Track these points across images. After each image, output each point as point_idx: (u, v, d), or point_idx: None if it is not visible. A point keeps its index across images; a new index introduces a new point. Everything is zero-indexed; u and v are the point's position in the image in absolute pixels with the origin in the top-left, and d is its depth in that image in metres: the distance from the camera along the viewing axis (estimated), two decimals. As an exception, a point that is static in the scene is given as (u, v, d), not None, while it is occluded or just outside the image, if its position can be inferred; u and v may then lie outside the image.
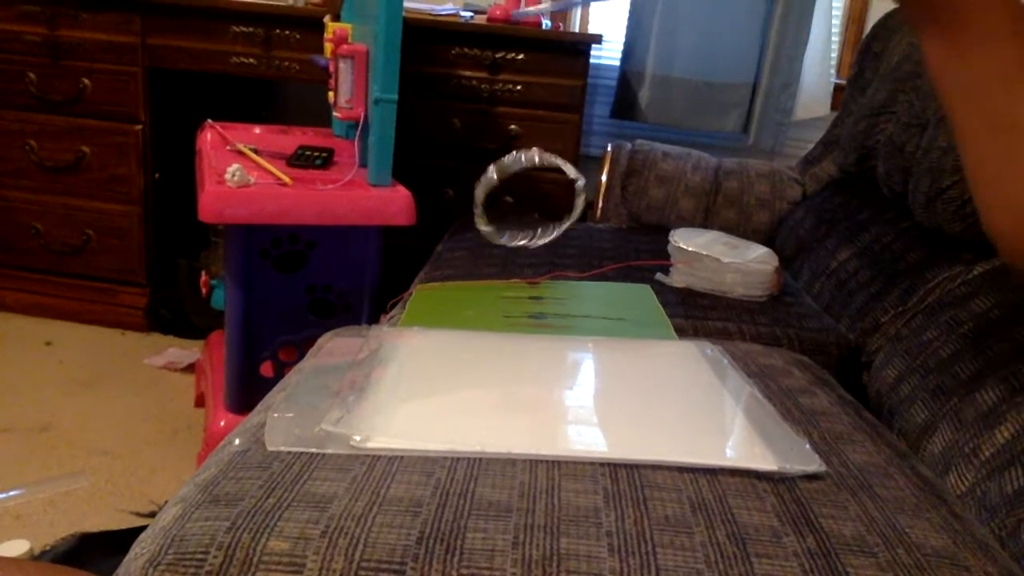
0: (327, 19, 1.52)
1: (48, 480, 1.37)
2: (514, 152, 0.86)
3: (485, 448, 0.61)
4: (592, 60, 1.80)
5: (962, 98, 0.55)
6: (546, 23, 1.84)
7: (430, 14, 1.86)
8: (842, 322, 1.22)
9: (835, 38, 2.13)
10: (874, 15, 2.08)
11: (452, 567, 0.49)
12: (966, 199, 1.06)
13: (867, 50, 1.71)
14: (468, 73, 1.78)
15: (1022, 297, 0.93)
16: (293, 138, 1.63)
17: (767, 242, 1.54)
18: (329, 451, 0.60)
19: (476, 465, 0.59)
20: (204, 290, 1.62)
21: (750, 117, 2.08)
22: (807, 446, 0.65)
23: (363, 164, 1.38)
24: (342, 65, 1.35)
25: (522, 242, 0.90)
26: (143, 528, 0.55)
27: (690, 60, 2.05)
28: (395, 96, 1.25)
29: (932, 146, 1.14)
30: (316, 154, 1.45)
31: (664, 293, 1.19)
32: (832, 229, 1.47)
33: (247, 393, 1.34)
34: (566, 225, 0.90)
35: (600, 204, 1.79)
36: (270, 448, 0.61)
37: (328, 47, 1.41)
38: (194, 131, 1.66)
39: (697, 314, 1.13)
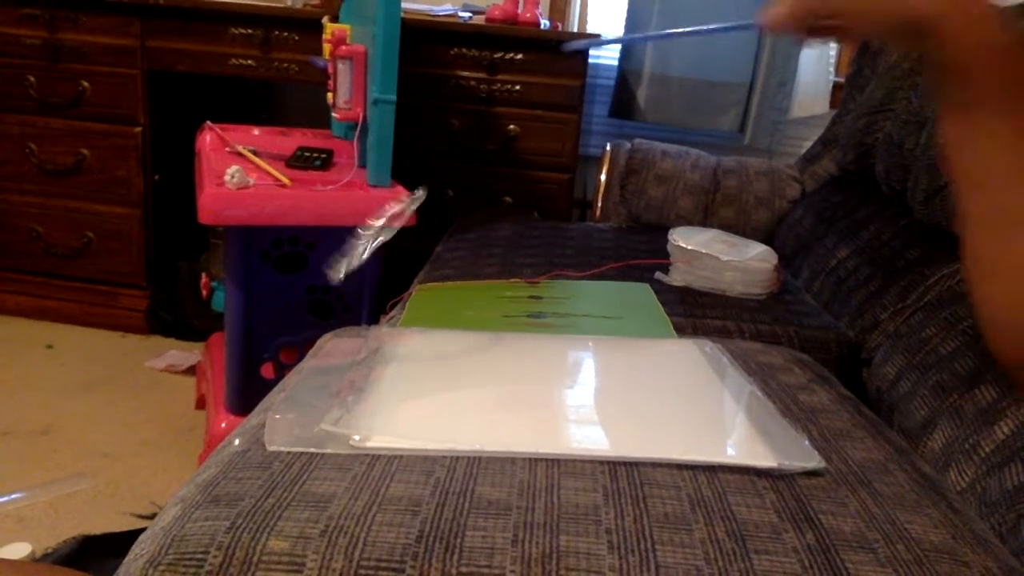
0: (325, 20, 1.52)
1: (50, 483, 1.37)
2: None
3: (484, 447, 0.61)
4: (590, 60, 1.80)
5: (969, 182, 0.53)
6: (544, 23, 1.85)
7: (428, 15, 1.86)
8: (842, 319, 1.22)
9: (833, 36, 2.13)
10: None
11: (452, 565, 0.49)
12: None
13: (865, 48, 1.71)
14: (467, 73, 1.78)
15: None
16: (292, 139, 1.63)
17: (766, 240, 1.54)
18: (329, 451, 0.60)
19: (475, 464, 0.59)
20: (204, 292, 1.62)
21: (747, 116, 2.08)
22: (806, 443, 0.65)
23: (362, 165, 1.39)
24: (341, 66, 1.35)
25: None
26: (145, 530, 0.55)
27: (687, 59, 2.05)
28: (394, 97, 1.25)
29: (931, 143, 1.14)
30: (315, 155, 1.45)
31: (663, 292, 1.19)
32: (831, 227, 1.47)
33: (248, 395, 1.34)
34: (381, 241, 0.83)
35: (599, 203, 1.79)
36: (270, 448, 0.61)
37: (327, 48, 1.41)
38: (193, 133, 1.66)
39: (696, 312, 1.13)
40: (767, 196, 1.72)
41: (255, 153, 1.43)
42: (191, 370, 1.79)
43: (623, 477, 0.59)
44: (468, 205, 1.81)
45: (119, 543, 1.21)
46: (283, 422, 0.65)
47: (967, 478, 0.76)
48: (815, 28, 0.58)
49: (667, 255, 1.28)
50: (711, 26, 0.68)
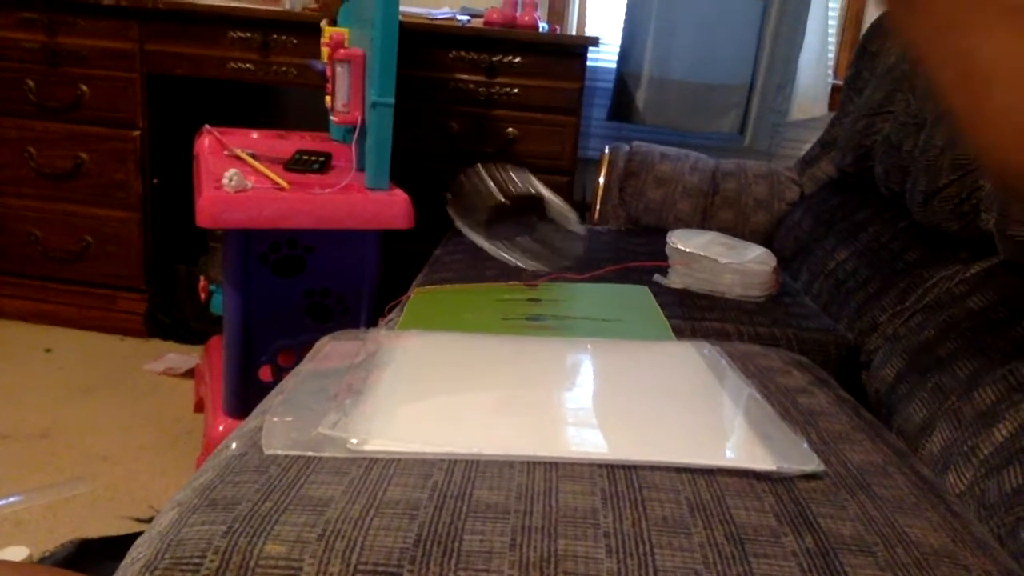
0: (324, 23, 1.52)
1: (48, 486, 1.37)
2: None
3: (482, 450, 0.61)
4: (589, 63, 1.80)
5: (931, 56, 0.55)
6: (543, 26, 1.85)
7: (427, 18, 1.86)
8: (840, 322, 1.21)
9: (832, 39, 2.13)
10: (871, 16, 2.08)
11: (449, 569, 0.48)
12: (964, 197, 1.06)
13: (864, 50, 1.71)
14: (465, 76, 1.78)
15: (1020, 295, 0.93)
16: (291, 143, 1.63)
17: (765, 243, 1.54)
18: (326, 454, 0.60)
19: (473, 467, 0.59)
20: (203, 295, 1.62)
21: (746, 118, 2.08)
22: (805, 446, 0.65)
23: (360, 168, 1.39)
24: (339, 69, 1.35)
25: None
26: (142, 534, 0.55)
27: (686, 62, 2.05)
28: (392, 100, 1.25)
29: (929, 145, 1.14)
30: (314, 158, 1.45)
31: (662, 294, 1.19)
32: (830, 229, 1.47)
33: (246, 398, 1.34)
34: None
35: (598, 206, 1.79)
36: (267, 452, 0.60)
37: (325, 51, 1.41)
38: (192, 137, 1.66)
39: (695, 315, 1.13)
40: (766, 198, 1.72)
41: (253, 156, 1.43)
42: (189, 373, 1.79)
43: (621, 480, 0.59)
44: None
45: (117, 547, 1.21)
46: (280, 425, 0.65)
47: (966, 481, 0.76)
48: None
49: (666, 257, 1.28)
50: None
